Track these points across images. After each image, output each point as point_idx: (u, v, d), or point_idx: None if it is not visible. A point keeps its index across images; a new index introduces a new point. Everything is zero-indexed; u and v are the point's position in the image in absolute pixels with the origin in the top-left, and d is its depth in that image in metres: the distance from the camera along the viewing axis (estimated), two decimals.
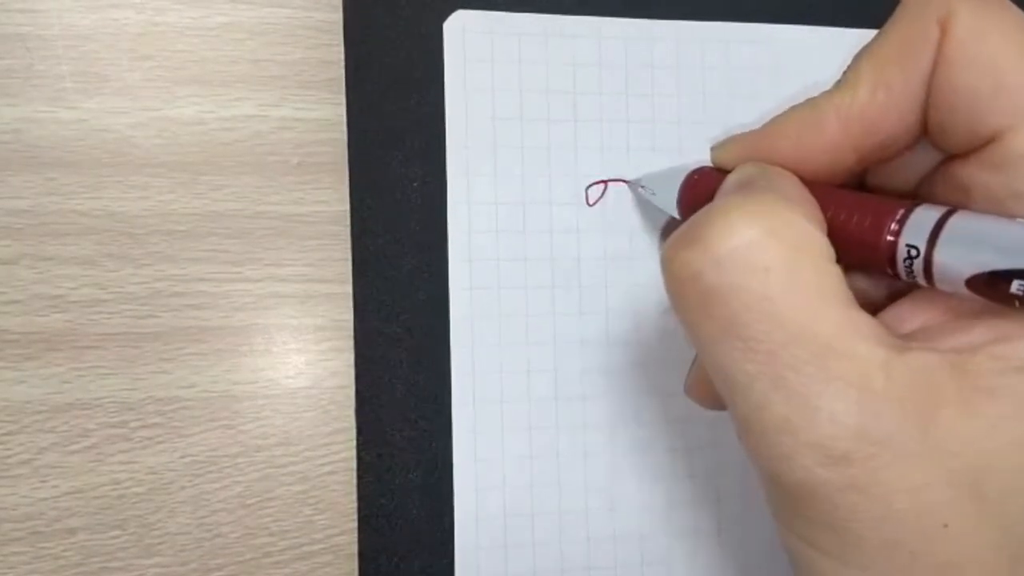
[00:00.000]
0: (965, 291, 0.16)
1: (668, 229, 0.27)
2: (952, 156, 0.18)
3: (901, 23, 0.18)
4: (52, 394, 0.24)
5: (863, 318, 0.16)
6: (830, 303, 0.16)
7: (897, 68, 0.18)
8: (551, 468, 0.26)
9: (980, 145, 0.17)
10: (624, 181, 0.27)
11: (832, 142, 0.19)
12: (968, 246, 0.16)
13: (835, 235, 0.17)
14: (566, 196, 0.27)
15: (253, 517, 0.25)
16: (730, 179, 0.20)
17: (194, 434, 0.25)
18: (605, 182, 0.27)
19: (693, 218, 0.17)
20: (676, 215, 0.24)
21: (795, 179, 0.19)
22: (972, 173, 0.17)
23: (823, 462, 0.15)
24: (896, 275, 0.17)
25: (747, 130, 0.21)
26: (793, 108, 0.20)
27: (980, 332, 0.16)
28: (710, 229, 0.17)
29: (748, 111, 0.28)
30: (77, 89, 0.25)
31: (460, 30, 0.26)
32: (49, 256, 0.24)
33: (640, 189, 0.26)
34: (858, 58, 0.19)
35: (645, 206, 0.27)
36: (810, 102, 0.19)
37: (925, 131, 0.18)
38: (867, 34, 0.29)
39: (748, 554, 0.27)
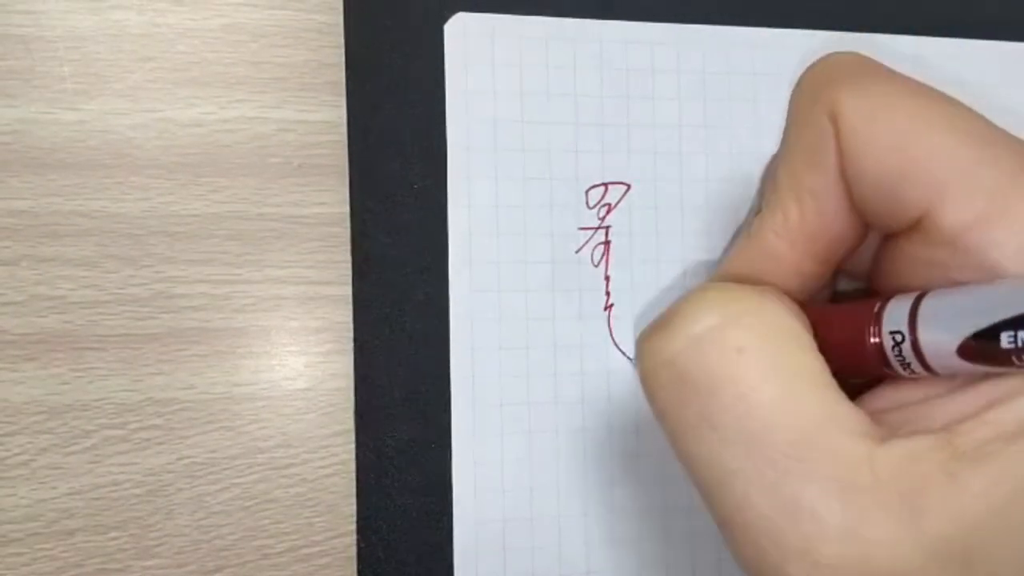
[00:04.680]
0: (961, 364, 0.15)
1: None
2: (896, 235, 0.18)
3: (798, 127, 0.18)
4: (51, 395, 0.24)
5: (844, 407, 0.16)
6: (808, 389, 0.16)
7: (810, 172, 0.17)
8: (550, 472, 0.26)
9: (913, 223, 0.17)
10: (625, 184, 0.27)
11: (789, 263, 0.18)
12: (948, 318, 0.15)
13: (827, 356, 0.17)
14: (567, 199, 0.27)
15: (252, 519, 0.25)
16: None
17: (193, 436, 0.25)
18: (606, 185, 0.27)
19: (667, 307, 0.17)
20: None
21: (776, 289, 0.18)
22: (919, 250, 0.17)
23: (811, 572, 0.15)
24: (896, 373, 0.17)
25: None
26: (737, 250, 0.19)
27: (972, 399, 0.16)
28: (683, 313, 0.16)
29: (748, 115, 0.28)
30: (78, 90, 0.25)
31: (461, 33, 0.26)
32: (49, 257, 0.24)
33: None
34: (772, 175, 0.18)
35: None
36: (748, 239, 0.19)
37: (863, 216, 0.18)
38: (867, 38, 0.29)
39: None
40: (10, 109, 0.24)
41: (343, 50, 0.26)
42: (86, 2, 0.25)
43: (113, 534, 0.24)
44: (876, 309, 0.17)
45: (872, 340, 0.17)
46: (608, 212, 0.27)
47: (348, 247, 0.26)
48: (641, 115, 0.28)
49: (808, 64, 0.19)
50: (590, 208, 0.27)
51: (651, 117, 0.28)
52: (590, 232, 0.27)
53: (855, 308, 0.18)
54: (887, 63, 0.29)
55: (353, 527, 0.25)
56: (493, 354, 0.26)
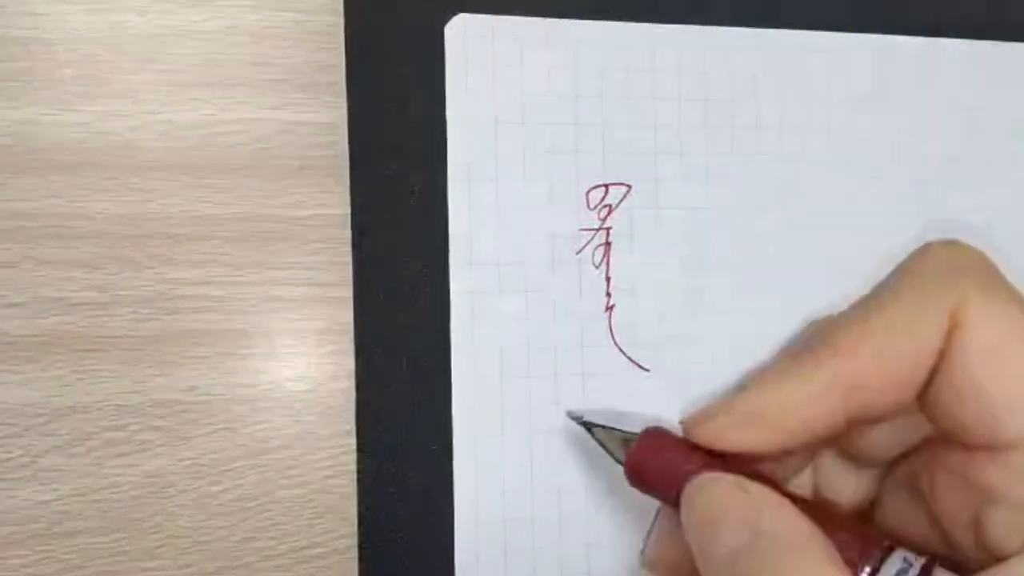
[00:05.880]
0: None
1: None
2: (953, 442, 0.18)
3: (906, 298, 0.18)
4: (53, 397, 0.24)
5: None
6: None
7: (903, 343, 0.17)
8: (551, 472, 0.26)
9: (997, 447, 0.16)
10: (625, 185, 0.27)
11: (827, 412, 0.18)
12: None
13: None
14: (567, 200, 0.27)
15: (253, 520, 0.25)
16: (720, 511, 0.18)
17: (195, 437, 0.25)
18: (607, 186, 0.27)
19: None
20: (617, 458, 0.23)
21: (794, 513, 0.18)
22: (985, 473, 0.17)
23: None
24: None
25: (718, 403, 0.20)
26: (773, 382, 0.19)
27: None
28: None
29: (749, 115, 0.28)
30: (79, 92, 0.25)
31: (462, 34, 0.26)
32: (50, 259, 0.24)
33: (580, 424, 0.25)
34: (852, 324, 0.18)
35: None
36: (796, 374, 0.18)
37: (924, 410, 0.18)
38: (867, 39, 0.29)
39: None
40: (11, 111, 0.24)
41: (343, 51, 0.26)
42: (87, 4, 0.25)
43: (115, 536, 0.24)
44: (880, 552, 0.17)
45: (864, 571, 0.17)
46: (609, 213, 0.27)
47: (349, 248, 0.26)
48: (641, 115, 0.28)
49: (932, 241, 0.19)
50: (591, 209, 0.27)
51: (651, 117, 0.28)
52: (591, 233, 0.27)
53: (855, 536, 0.17)
54: (888, 63, 0.29)
55: (354, 528, 0.25)
56: (494, 355, 0.26)
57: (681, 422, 0.21)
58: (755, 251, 0.28)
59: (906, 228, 0.29)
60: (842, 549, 0.17)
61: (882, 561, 0.17)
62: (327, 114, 0.26)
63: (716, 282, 0.28)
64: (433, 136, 0.26)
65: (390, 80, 0.26)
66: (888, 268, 0.21)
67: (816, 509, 0.19)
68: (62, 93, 0.25)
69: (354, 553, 0.25)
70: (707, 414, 0.20)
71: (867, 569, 0.17)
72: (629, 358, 0.27)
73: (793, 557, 0.16)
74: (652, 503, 0.27)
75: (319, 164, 0.26)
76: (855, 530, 0.18)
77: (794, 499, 0.18)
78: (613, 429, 0.23)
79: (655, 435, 0.21)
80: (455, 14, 0.26)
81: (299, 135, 0.26)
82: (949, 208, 0.29)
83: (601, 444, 0.23)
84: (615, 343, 0.27)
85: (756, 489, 0.18)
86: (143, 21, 0.25)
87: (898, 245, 0.22)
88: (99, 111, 0.25)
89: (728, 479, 0.19)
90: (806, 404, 0.18)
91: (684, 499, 0.19)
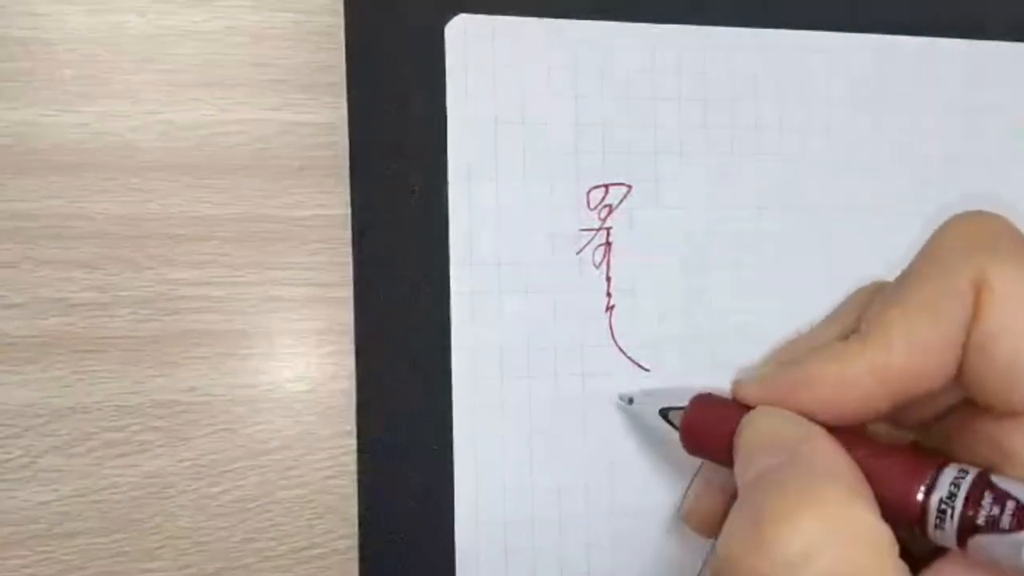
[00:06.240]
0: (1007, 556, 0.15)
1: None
2: (986, 409, 0.18)
3: (931, 278, 0.18)
4: (53, 398, 0.24)
5: None
6: None
7: (934, 329, 0.17)
8: (551, 473, 0.26)
9: (1021, 412, 0.17)
10: (626, 185, 0.27)
11: (868, 397, 0.18)
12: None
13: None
14: (567, 200, 0.27)
15: (253, 521, 0.25)
16: (766, 438, 0.19)
17: (195, 438, 0.25)
18: (607, 186, 0.27)
19: (752, 514, 0.17)
20: (668, 432, 0.24)
21: (836, 447, 0.18)
22: (1012, 437, 0.17)
23: None
24: (924, 534, 0.17)
25: (768, 370, 0.20)
26: (820, 360, 0.19)
27: None
28: (777, 533, 0.16)
29: (749, 115, 0.28)
30: (79, 93, 0.25)
31: (462, 34, 0.26)
32: (50, 259, 0.24)
33: (629, 405, 0.26)
34: (885, 311, 0.18)
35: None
36: (839, 357, 0.19)
37: (959, 379, 0.18)
38: (867, 39, 0.29)
39: None
40: (11, 111, 0.24)
41: (343, 51, 0.26)
42: (87, 4, 0.25)
43: (115, 536, 0.24)
44: (933, 470, 0.17)
45: (918, 498, 0.17)
46: (609, 213, 0.27)
47: (349, 248, 0.26)
48: (641, 115, 0.28)
49: (956, 214, 0.19)
50: (591, 209, 0.27)
51: (651, 117, 0.28)
52: (591, 233, 0.27)
53: (908, 458, 0.18)
54: (888, 63, 0.29)
55: (355, 529, 0.25)
56: (494, 355, 0.26)
57: (734, 382, 0.22)
58: (755, 251, 0.28)
59: (906, 228, 0.28)
60: (900, 469, 0.17)
61: (938, 475, 0.17)
62: (327, 114, 0.26)
63: (716, 282, 0.28)
64: (433, 136, 0.26)
65: (390, 80, 0.26)
66: (888, 268, 0.21)
67: (873, 439, 0.19)
68: (62, 93, 0.25)
69: (354, 553, 0.25)
70: (754, 382, 0.21)
71: (923, 486, 0.17)
72: (629, 358, 0.27)
73: (819, 481, 0.17)
74: (651, 503, 0.27)
75: (319, 164, 0.26)
76: (912, 451, 0.19)
77: (852, 432, 0.19)
78: (671, 408, 0.24)
79: (705, 399, 0.23)
80: (455, 14, 0.26)
81: (299, 135, 0.26)
82: (949, 208, 0.29)
83: (667, 420, 0.24)
84: (615, 343, 0.27)
85: (805, 423, 0.19)
86: (143, 21, 0.25)
87: (898, 245, 0.22)
88: (99, 111, 0.25)
89: (782, 412, 0.19)
90: (844, 389, 0.18)
91: (739, 429, 0.20)
